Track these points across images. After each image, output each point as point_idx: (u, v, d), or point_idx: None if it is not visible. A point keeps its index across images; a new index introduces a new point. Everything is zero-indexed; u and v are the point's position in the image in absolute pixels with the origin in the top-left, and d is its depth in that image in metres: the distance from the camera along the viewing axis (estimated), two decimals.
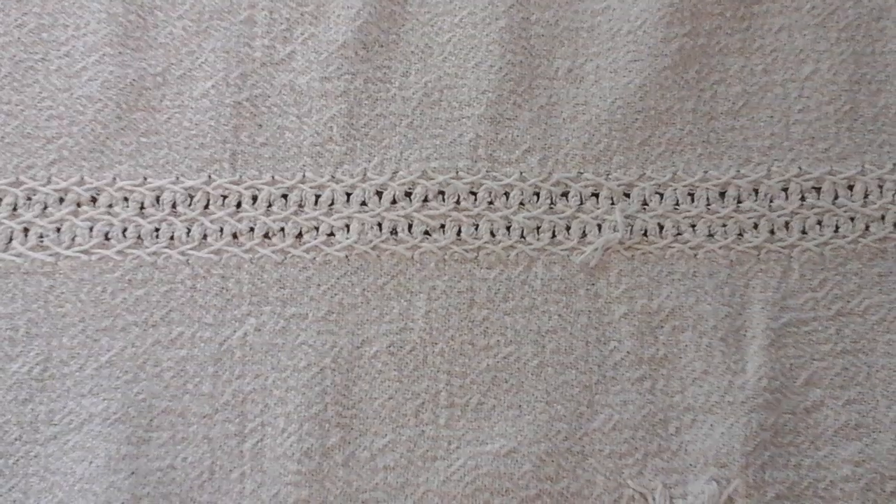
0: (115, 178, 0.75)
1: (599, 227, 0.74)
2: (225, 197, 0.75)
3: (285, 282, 0.73)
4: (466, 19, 0.77)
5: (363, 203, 0.75)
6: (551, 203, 0.75)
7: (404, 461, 0.71)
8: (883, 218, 0.74)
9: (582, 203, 0.75)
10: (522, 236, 0.74)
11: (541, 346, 0.72)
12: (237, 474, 0.70)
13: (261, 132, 0.76)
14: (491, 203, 0.75)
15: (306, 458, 0.70)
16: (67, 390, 0.71)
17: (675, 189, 0.75)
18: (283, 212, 0.74)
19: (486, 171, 0.75)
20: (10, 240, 0.74)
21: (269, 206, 0.75)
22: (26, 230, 0.74)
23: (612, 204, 0.75)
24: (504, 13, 0.77)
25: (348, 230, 0.74)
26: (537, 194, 0.75)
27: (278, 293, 0.73)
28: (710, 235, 0.74)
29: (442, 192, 0.75)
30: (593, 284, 0.73)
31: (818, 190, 0.75)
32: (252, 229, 0.74)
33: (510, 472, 0.70)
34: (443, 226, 0.74)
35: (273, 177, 0.75)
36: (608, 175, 0.75)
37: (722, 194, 0.75)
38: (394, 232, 0.74)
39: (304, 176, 0.75)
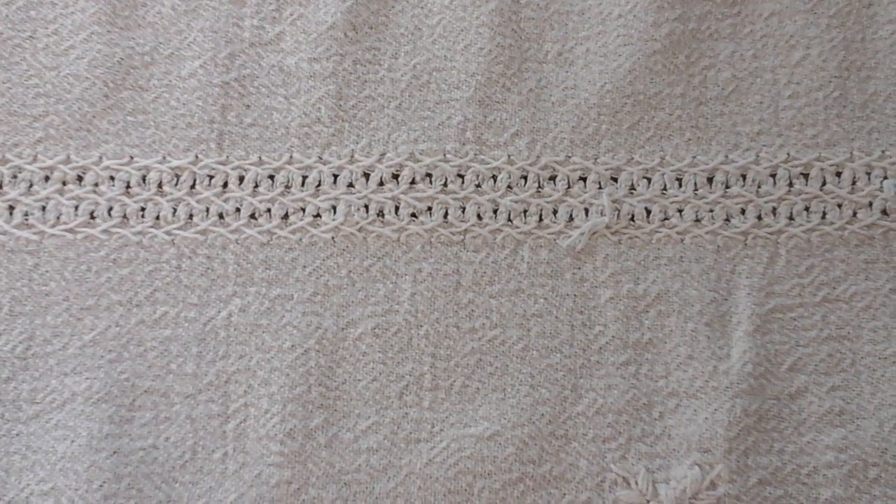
0: (101, 157, 0.75)
1: (586, 211, 0.74)
2: (211, 177, 0.75)
3: (271, 263, 0.73)
4: (456, 1, 0.77)
5: (350, 185, 0.74)
6: (539, 186, 0.74)
7: (387, 443, 0.70)
8: (870, 205, 0.74)
9: (569, 187, 0.74)
10: (509, 220, 0.74)
11: (526, 330, 0.72)
12: (220, 455, 0.70)
13: (248, 112, 0.75)
14: (478, 186, 0.74)
15: (289, 439, 0.70)
16: (50, 369, 0.71)
17: (663, 174, 0.74)
18: (270, 192, 0.74)
19: (474, 154, 0.75)
20: None
21: (256, 186, 0.74)
22: (11, 208, 0.74)
23: (600, 188, 0.74)
24: None
25: (335, 212, 0.74)
26: (525, 178, 0.75)
27: (264, 274, 0.73)
28: (698, 220, 0.74)
29: (429, 175, 0.74)
30: (579, 268, 0.73)
31: (806, 176, 0.74)
32: (238, 210, 0.74)
33: (493, 455, 0.70)
34: (430, 208, 0.74)
35: (260, 157, 0.75)
36: (596, 159, 0.75)
37: (710, 179, 0.75)
38: (380, 214, 0.74)
39: (291, 157, 0.75)
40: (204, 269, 0.73)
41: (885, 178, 0.74)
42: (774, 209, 0.74)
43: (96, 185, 0.74)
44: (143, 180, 0.74)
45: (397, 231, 0.73)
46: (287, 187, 0.74)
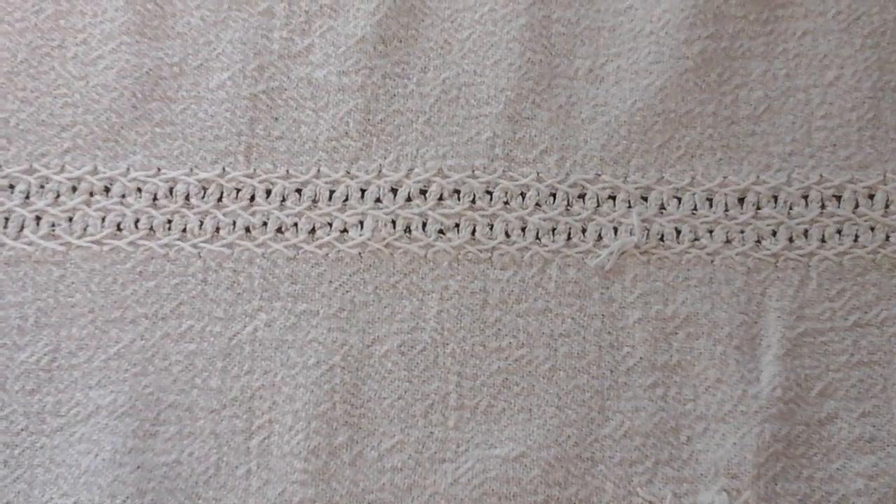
0: (128, 168, 0.74)
1: (615, 230, 0.73)
2: (239, 190, 0.74)
3: (297, 277, 0.73)
4: (487, 16, 0.77)
5: (377, 200, 0.74)
6: (568, 204, 0.74)
7: (412, 462, 0.70)
8: None
9: (599, 205, 0.74)
10: (537, 237, 0.73)
11: (553, 350, 0.72)
12: (243, 471, 0.70)
13: (276, 125, 0.75)
14: (507, 203, 0.74)
15: (313, 456, 0.70)
16: (75, 381, 0.71)
17: (694, 193, 0.74)
18: (297, 207, 0.74)
19: (503, 171, 0.74)
20: (22, 228, 0.73)
21: (283, 200, 0.74)
22: (38, 218, 0.74)
23: (629, 207, 0.74)
24: (525, 11, 0.76)
25: (362, 227, 0.73)
26: (554, 195, 0.74)
27: (290, 289, 0.73)
28: (728, 242, 0.73)
29: (457, 191, 0.74)
30: (608, 288, 0.73)
31: (839, 198, 0.74)
32: (265, 223, 0.74)
33: (518, 477, 0.69)
34: (457, 225, 0.74)
35: (288, 171, 0.74)
36: (626, 178, 0.74)
37: (741, 200, 0.74)
38: (408, 230, 0.73)
39: (318, 171, 0.74)
40: (230, 282, 0.73)
41: None
42: (806, 231, 0.73)
43: (123, 196, 0.74)
44: (171, 192, 0.74)
45: (424, 247, 0.73)
46: (314, 201, 0.74)
